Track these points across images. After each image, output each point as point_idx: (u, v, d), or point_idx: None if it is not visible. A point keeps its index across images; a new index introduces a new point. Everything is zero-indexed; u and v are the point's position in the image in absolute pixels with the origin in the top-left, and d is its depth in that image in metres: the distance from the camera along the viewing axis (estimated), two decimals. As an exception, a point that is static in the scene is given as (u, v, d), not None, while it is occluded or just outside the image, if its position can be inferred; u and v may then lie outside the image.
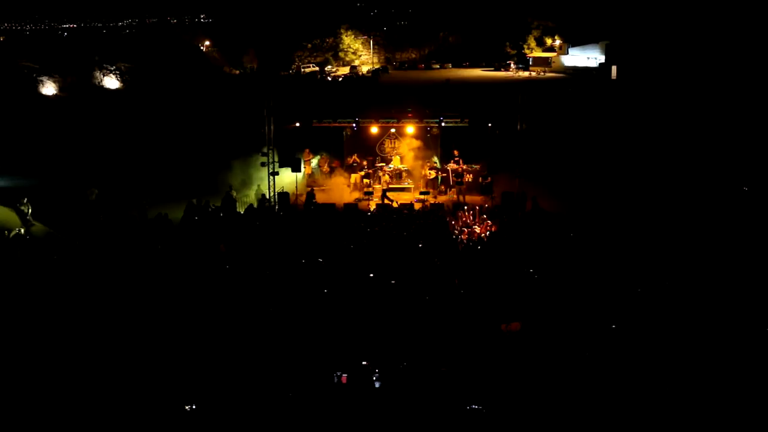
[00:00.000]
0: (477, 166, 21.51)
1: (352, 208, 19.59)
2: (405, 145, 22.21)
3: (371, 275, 11.44)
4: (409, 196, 20.94)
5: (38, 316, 9.38)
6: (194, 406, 6.68)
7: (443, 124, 21.26)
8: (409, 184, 21.59)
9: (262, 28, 74.21)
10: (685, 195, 19.29)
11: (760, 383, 7.34)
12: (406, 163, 22.14)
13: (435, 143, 22.34)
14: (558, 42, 74.47)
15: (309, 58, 76.44)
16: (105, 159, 25.49)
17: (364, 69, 73.70)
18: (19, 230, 14.88)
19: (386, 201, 20.03)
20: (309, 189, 20.96)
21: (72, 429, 6.62)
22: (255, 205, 19.50)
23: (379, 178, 21.71)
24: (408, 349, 8.02)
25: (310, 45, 77.36)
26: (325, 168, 22.75)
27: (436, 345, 8.33)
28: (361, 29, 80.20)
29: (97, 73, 51.73)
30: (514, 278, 11.62)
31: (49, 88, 46.56)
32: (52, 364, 7.72)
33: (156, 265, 12.54)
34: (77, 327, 8.94)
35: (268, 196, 20.18)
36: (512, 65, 70.86)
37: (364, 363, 7.45)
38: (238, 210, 19.21)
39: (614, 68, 59.50)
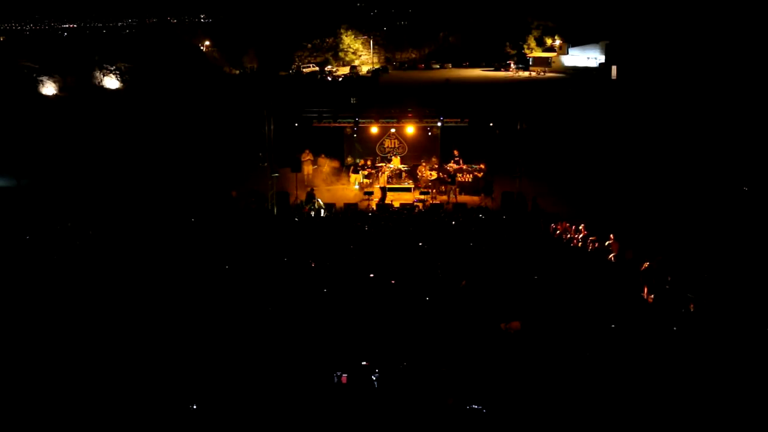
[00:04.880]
0: (477, 166, 21.52)
1: (352, 208, 19.60)
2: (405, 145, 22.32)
3: (371, 275, 11.44)
4: (409, 196, 20.94)
5: (42, 315, 9.39)
6: (194, 406, 6.68)
7: (441, 124, 21.27)
8: (409, 184, 21.60)
9: (262, 28, 74.27)
10: (685, 195, 19.30)
11: (760, 383, 7.34)
12: (406, 163, 22.22)
13: (435, 143, 22.37)
14: (558, 42, 74.53)
15: (309, 58, 76.51)
16: (105, 160, 25.51)
17: (364, 69, 73.74)
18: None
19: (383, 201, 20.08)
20: (309, 189, 20.97)
21: (75, 428, 6.62)
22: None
23: (380, 177, 21.75)
24: (408, 349, 8.02)
25: (310, 45, 77.44)
26: (325, 168, 22.76)
27: (436, 345, 8.33)
28: (361, 29, 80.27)
29: (97, 73, 51.79)
30: (514, 278, 11.63)
31: (49, 88, 46.59)
32: (56, 364, 7.72)
33: (158, 265, 12.54)
34: (80, 327, 8.94)
35: (267, 196, 20.19)
36: (512, 65, 70.90)
37: (364, 363, 7.44)
38: (238, 211, 19.20)
39: (614, 68, 59.58)
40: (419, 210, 19.40)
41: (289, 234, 15.67)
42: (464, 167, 21.50)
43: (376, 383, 7.16)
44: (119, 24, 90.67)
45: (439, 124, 21.15)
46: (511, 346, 8.42)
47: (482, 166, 21.47)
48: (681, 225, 15.98)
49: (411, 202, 20.33)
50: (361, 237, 15.17)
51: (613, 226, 13.90)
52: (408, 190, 21.27)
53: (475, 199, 20.72)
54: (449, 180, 20.97)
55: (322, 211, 19.16)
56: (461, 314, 9.52)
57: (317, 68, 72.13)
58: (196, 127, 31.64)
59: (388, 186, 21.33)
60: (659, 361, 7.91)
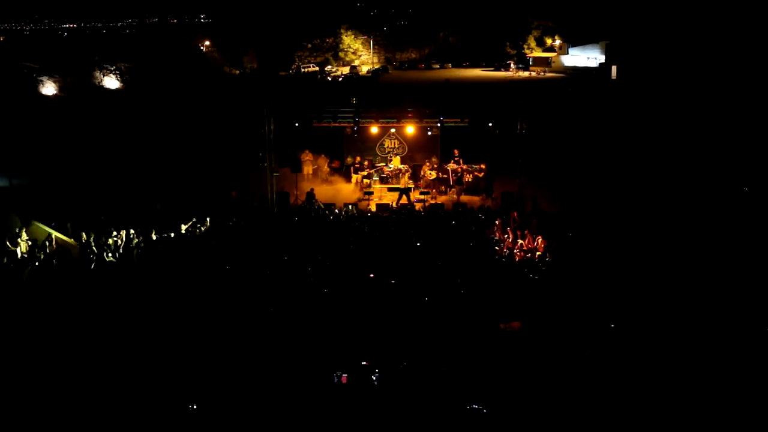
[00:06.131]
0: (477, 166, 21.52)
1: (352, 208, 19.58)
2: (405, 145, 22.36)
3: (371, 275, 11.44)
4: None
5: (43, 319, 9.39)
6: (195, 406, 6.68)
7: (441, 124, 21.26)
8: (409, 184, 21.59)
9: (262, 28, 74.23)
10: (685, 195, 19.29)
11: (760, 383, 7.34)
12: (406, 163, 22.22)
13: (435, 143, 22.36)
14: (558, 42, 74.56)
15: (309, 58, 76.47)
16: (105, 159, 25.50)
17: (364, 69, 73.77)
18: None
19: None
20: (309, 189, 20.96)
21: (75, 428, 6.62)
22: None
23: (381, 178, 21.74)
24: (408, 349, 8.02)
25: (310, 45, 77.39)
26: (325, 168, 22.75)
27: (436, 345, 8.33)
28: (361, 29, 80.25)
29: (97, 73, 51.79)
30: (513, 278, 11.63)
31: (49, 88, 46.58)
32: (57, 364, 7.72)
33: (159, 266, 12.54)
34: (80, 328, 8.94)
35: (268, 197, 20.18)
36: (512, 65, 70.93)
37: (364, 363, 7.44)
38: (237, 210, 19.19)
39: (614, 68, 59.59)
40: (419, 210, 19.41)
41: (290, 234, 15.67)
42: (464, 167, 21.48)
43: (376, 383, 7.16)
44: (119, 24, 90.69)
45: (438, 124, 21.15)
46: (511, 346, 8.42)
47: (482, 166, 21.47)
48: (681, 224, 15.96)
49: (411, 202, 20.32)
50: (361, 237, 15.17)
51: (610, 225, 13.92)
52: (408, 190, 21.26)
53: (475, 199, 20.71)
54: (457, 179, 20.98)
55: (322, 211, 19.15)
56: (461, 315, 9.53)
57: (317, 68, 72.13)
58: (196, 127, 31.64)
59: (388, 186, 21.33)
60: (657, 361, 7.91)
